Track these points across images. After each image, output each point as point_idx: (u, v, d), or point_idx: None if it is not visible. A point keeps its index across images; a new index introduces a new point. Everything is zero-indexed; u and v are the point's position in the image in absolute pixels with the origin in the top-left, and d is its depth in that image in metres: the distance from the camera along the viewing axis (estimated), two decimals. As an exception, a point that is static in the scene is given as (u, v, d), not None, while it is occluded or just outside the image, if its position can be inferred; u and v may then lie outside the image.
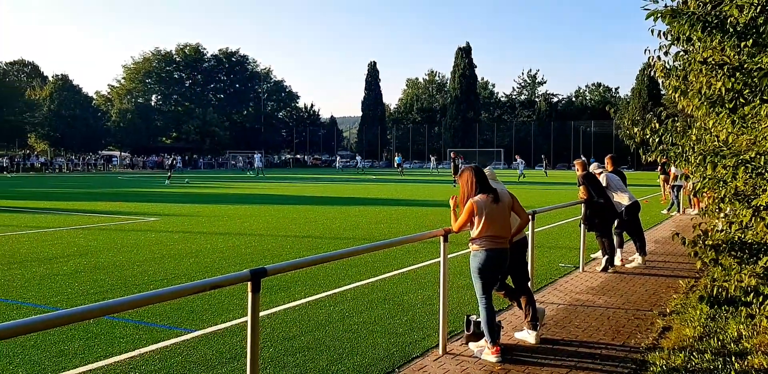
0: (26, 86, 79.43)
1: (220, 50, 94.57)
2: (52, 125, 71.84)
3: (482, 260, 5.14)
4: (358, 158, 71.59)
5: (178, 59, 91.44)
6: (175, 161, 44.12)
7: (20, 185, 34.08)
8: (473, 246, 5.22)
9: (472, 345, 5.39)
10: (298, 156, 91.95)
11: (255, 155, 54.83)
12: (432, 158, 59.68)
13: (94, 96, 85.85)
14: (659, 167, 18.59)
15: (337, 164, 70.11)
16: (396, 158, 57.04)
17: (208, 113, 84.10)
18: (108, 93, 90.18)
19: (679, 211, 17.21)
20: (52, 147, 76.42)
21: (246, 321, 3.59)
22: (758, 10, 4.72)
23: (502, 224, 5.22)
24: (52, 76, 77.84)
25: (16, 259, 9.50)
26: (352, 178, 45.72)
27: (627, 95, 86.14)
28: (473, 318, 5.53)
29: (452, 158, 35.60)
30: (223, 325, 5.94)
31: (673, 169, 16.53)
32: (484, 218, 5.16)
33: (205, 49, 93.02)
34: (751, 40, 4.80)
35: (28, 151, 74.28)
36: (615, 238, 9.32)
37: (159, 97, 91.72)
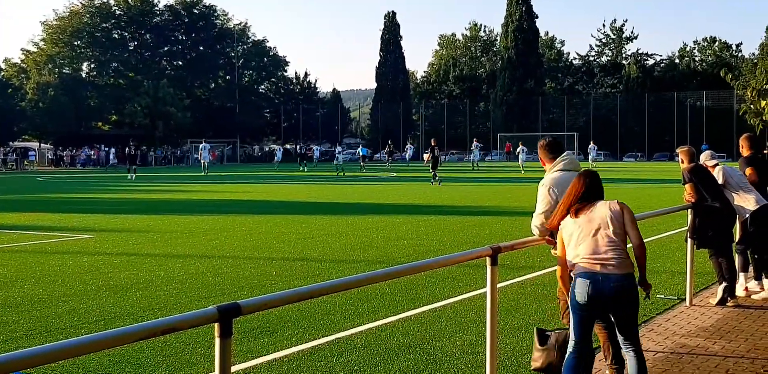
0: None
1: (176, 0, 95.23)
2: (-58, 106, 72.79)
3: None
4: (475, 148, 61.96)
5: (118, 13, 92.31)
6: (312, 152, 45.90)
7: None
8: None
9: None
10: (288, 146, 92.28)
11: (202, 145, 55.43)
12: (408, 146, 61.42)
13: (2, 65, 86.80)
14: None
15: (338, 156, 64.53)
16: (360, 149, 62.06)
17: (162, 86, 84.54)
18: (22, 61, 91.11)
19: None
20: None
21: (213, 378, 3.62)
22: None
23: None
24: (-56, 39, 78.89)
25: None
26: (362, 176, 45.76)
27: (753, 55, 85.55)
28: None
29: (432, 146, 37.36)
30: (182, 384, 6.00)
31: None
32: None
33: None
34: None
35: None
36: (737, 257, 9.26)
37: (93, 65, 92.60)
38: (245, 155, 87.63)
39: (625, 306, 5.25)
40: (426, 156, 45.34)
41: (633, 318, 5.40)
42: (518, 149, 54.75)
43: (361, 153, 64.28)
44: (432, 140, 39.29)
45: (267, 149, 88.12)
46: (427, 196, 27.46)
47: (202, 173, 50.11)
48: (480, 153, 62.82)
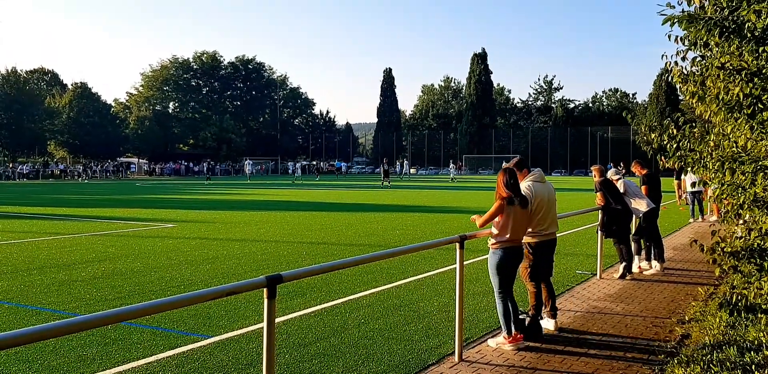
0: (46, 94, 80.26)
1: (236, 58, 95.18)
2: (71, 132, 72.52)
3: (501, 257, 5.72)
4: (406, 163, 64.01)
5: (195, 67, 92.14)
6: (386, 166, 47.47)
7: (39, 191, 34.48)
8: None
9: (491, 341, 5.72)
10: (314, 162, 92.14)
11: (247, 161, 58.74)
12: (391, 162, 62.39)
13: (113, 104, 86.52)
14: (675, 173, 18.37)
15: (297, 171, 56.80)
16: (336, 162, 65.15)
17: (225, 119, 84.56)
18: (126, 101, 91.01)
19: (698, 217, 16.99)
20: (71, 154, 77.21)
21: (262, 328, 3.61)
22: (776, 15, 4.68)
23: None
24: (72, 85, 78.64)
25: (36, 265, 9.61)
26: (368, 184, 45.70)
27: (644, 101, 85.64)
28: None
29: (384, 162, 40.78)
30: (239, 331, 5.97)
31: (691, 175, 16.37)
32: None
33: (221, 56, 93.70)
34: (769, 45, 4.76)
35: (47, 158, 75.16)
36: (633, 245, 9.26)
37: (176, 104, 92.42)
38: (284, 169, 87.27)
39: None
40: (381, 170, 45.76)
41: None
42: (450, 166, 55.53)
43: (336, 166, 67.79)
44: (384, 159, 41.78)
45: (298, 165, 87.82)
46: (413, 199, 27.43)
47: (248, 181, 51.50)
48: (408, 168, 64.55)
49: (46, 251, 11.01)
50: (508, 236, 5.56)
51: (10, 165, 61.70)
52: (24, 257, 10.42)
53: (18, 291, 7.73)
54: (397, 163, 66.90)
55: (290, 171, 69.80)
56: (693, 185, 16.78)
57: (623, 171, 10.65)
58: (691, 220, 16.98)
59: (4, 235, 13.57)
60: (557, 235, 6.32)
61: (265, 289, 3.42)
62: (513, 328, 5.56)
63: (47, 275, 8.74)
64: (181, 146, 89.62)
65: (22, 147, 72.48)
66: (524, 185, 6.02)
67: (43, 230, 14.61)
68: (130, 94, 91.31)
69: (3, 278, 8.58)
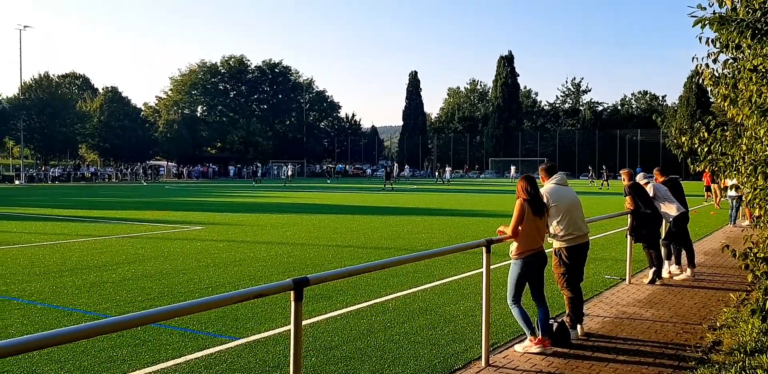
0: (77, 98, 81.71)
1: (263, 62, 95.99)
2: (101, 135, 73.74)
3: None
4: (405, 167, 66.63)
5: (222, 71, 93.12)
6: (390, 169, 49.32)
7: (71, 194, 35.08)
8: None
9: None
10: (340, 166, 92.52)
11: (256, 163, 61.78)
12: (397, 166, 63.85)
13: (142, 107, 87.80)
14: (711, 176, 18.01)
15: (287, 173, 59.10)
16: (337, 166, 66.88)
17: (252, 123, 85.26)
18: (155, 104, 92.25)
19: (733, 223, 16.64)
20: (102, 157, 78.47)
21: (289, 330, 3.63)
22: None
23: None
24: (102, 89, 79.96)
25: (67, 267, 9.79)
26: (392, 187, 45.74)
27: (675, 103, 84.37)
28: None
29: (386, 166, 41.01)
30: (266, 333, 6.01)
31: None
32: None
33: (249, 60, 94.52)
34: (803, 47, 4.67)
35: (78, 161, 76.48)
36: (663, 249, 9.14)
37: (204, 108, 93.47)
38: (310, 171, 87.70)
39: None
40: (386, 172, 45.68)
41: None
42: (446, 169, 56.65)
43: (336, 169, 69.17)
44: (386, 162, 42.98)
45: (325, 167, 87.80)
46: (437, 202, 27.37)
47: (257, 184, 52.75)
48: (409, 172, 66.63)
49: (77, 253, 11.20)
50: (528, 243, 5.56)
51: (42, 168, 62.89)
52: (56, 258, 10.61)
53: (50, 292, 7.88)
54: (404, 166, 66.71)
55: (284, 174, 70.66)
56: (733, 189, 16.51)
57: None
58: (729, 225, 16.63)
59: (37, 237, 13.84)
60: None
61: (292, 292, 3.44)
62: (537, 330, 5.55)
63: (78, 277, 8.90)
64: (209, 149, 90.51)
65: (54, 150, 73.88)
66: (545, 188, 6.03)
67: (74, 232, 14.87)
68: (160, 98, 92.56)
69: (36, 279, 8.75)
